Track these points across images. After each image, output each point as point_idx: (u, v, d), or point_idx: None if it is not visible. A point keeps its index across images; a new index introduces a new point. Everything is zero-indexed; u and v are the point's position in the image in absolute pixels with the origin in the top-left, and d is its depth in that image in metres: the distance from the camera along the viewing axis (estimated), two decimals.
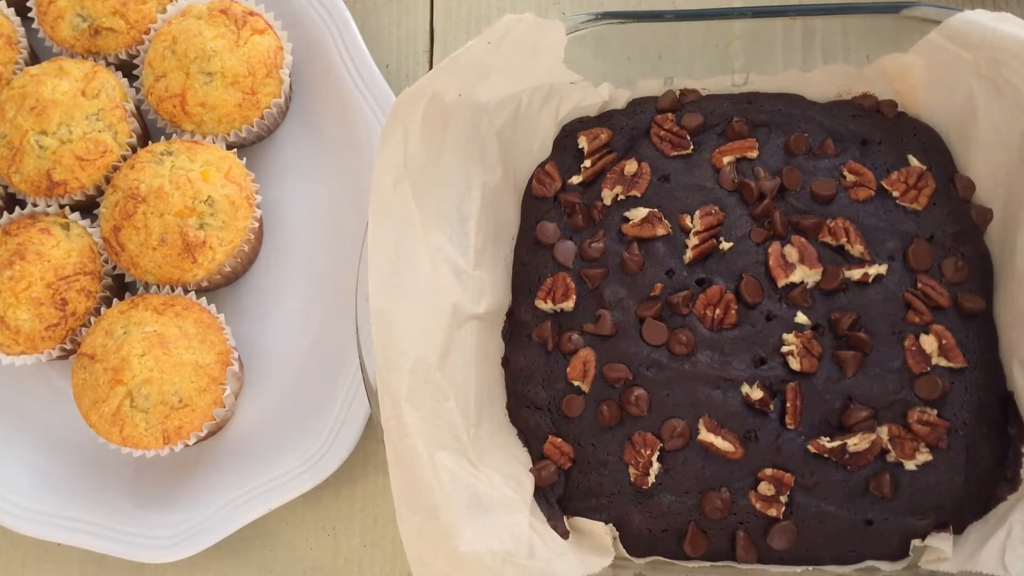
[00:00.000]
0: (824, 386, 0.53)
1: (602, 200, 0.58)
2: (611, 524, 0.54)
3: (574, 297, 0.57)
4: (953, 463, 0.52)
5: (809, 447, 0.52)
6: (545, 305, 0.57)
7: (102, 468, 0.65)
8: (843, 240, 0.55)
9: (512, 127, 0.58)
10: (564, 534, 0.54)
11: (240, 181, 0.63)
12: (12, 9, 0.69)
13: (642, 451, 0.53)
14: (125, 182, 0.62)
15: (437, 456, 0.48)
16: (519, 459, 0.55)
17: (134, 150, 0.65)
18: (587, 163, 0.59)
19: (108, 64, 0.67)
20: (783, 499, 0.52)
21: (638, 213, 0.57)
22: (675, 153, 0.58)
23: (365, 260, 0.51)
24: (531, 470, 0.55)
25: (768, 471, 0.52)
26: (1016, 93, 0.52)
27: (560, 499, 0.55)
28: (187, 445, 0.61)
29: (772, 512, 0.52)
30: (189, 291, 0.63)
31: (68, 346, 0.63)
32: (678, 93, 0.60)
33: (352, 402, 0.62)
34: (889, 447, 0.52)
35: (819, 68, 0.58)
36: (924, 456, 0.52)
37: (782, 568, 0.53)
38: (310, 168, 0.69)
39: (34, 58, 0.71)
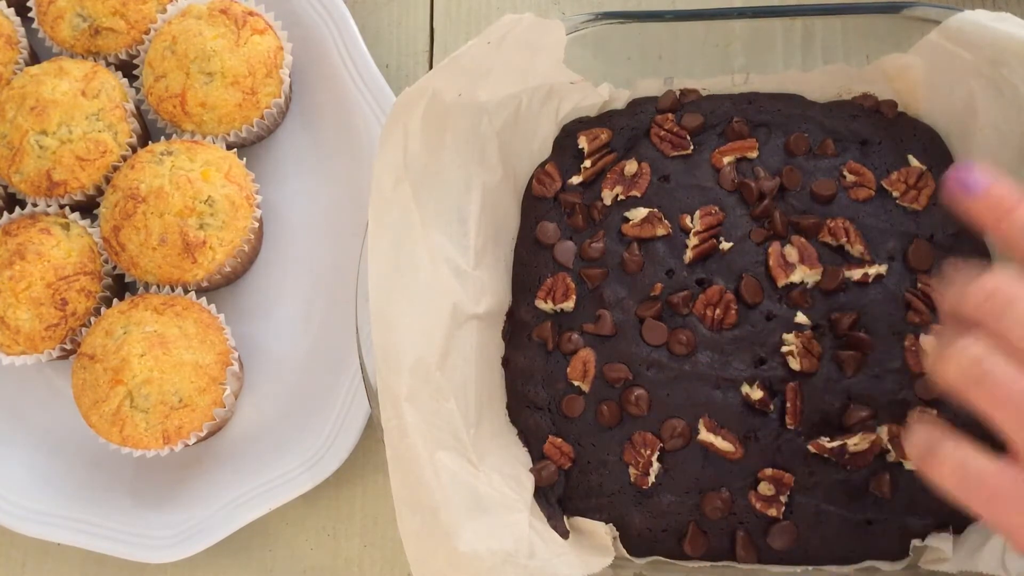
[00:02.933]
0: (824, 386, 0.53)
1: (602, 200, 0.58)
2: (611, 524, 0.54)
3: (574, 297, 0.57)
4: None
5: (809, 447, 0.52)
6: (545, 305, 0.57)
7: (102, 468, 0.65)
8: (843, 240, 0.55)
9: (512, 127, 0.58)
10: (564, 534, 0.54)
11: (240, 181, 0.63)
12: (12, 9, 0.69)
13: (642, 451, 0.53)
14: (125, 182, 0.62)
15: (437, 456, 0.48)
16: (519, 459, 0.55)
17: (134, 150, 0.65)
18: (587, 163, 0.59)
19: (108, 64, 0.67)
20: (783, 499, 0.52)
21: (638, 213, 0.57)
22: (675, 153, 0.58)
23: (365, 260, 0.51)
24: (531, 470, 0.55)
25: (768, 471, 0.52)
26: (1016, 93, 0.52)
27: (560, 499, 0.55)
28: (187, 445, 0.61)
29: (772, 512, 0.52)
30: (189, 291, 0.63)
31: (68, 346, 0.63)
32: (678, 93, 0.60)
33: (352, 402, 0.62)
34: (889, 447, 0.52)
35: (819, 68, 0.58)
36: None
37: (782, 568, 0.53)
38: (310, 168, 0.69)
39: (34, 58, 0.71)
